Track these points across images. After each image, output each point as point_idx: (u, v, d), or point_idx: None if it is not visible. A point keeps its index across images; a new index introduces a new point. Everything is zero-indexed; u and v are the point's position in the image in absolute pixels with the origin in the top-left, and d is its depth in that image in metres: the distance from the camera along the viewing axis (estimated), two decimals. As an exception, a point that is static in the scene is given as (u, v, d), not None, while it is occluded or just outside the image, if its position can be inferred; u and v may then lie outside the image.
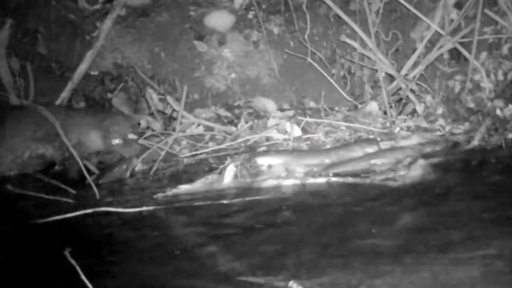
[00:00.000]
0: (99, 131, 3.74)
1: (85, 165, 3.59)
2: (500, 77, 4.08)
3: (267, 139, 3.89)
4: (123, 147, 3.76)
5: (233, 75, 4.41)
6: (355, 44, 4.21)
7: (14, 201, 3.38)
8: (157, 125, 4.15)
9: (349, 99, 4.31)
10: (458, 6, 4.13)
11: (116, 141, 3.73)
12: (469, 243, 2.49)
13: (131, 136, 3.75)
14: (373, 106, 4.15)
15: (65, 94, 4.26)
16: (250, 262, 2.50)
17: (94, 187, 3.38)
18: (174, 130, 3.98)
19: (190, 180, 3.44)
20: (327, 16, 4.33)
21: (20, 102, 4.18)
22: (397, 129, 3.92)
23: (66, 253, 2.59)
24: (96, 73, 4.35)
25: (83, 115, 3.82)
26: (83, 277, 2.39)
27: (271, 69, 4.39)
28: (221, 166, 3.50)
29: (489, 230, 2.60)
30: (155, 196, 3.29)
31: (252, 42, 4.40)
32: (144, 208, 3.13)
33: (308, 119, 3.97)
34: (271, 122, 4.03)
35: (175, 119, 4.09)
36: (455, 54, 4.23)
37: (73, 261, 2.52)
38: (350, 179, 3.30)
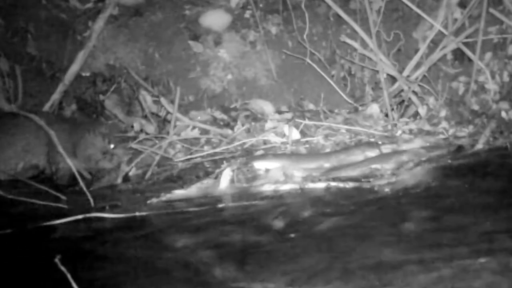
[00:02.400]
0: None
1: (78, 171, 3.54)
2: (506, 78, 4.06)
3: (265, 142, 3.87)
4: (104, 161, 3.67)
5: (229, 76, 4.38)
6: (356, 45, 4.20)
7: (4, 206, 3.31)
8: (151, 128, 4.12)
9: (349, 101, 4.29)
10: (462, 5, 4.12)
11: (98, 159, 3.65)
12: (473, 250, 2.46)
13: (110, 146, 3.67)
14: (374, 108, 4.14)
15: (55, 96, 4.23)
16: (247, 269, 2.49)
17: (87, 193, 3.33)
18: (168, 133, 3.95)
19: (185, 185, 3.41)
20: (327, 15, 4.33)
21: (9, 106, 4.13)
22: (399, 132, 3.92)
23: (57, 260, 2.54)
24: (87, 74, 4.32)
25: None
26: (74, 285, 2.36)
27: (268, 70, 4.38)
28: (217, 171, 3.49)
29: (493, 236, 2.57)
30: (149, 201, 3.26)
31: (249, 42, 4.39)
32: (137, 214, 3.09)
33: (307, 121, 3.97)
34: (268, 124, 4.01)
35: (169, 121, 4.06)
36: (458, 54, 4.21)
37: (63, 268, 2.47)
38: (350, 184, 3.28)
